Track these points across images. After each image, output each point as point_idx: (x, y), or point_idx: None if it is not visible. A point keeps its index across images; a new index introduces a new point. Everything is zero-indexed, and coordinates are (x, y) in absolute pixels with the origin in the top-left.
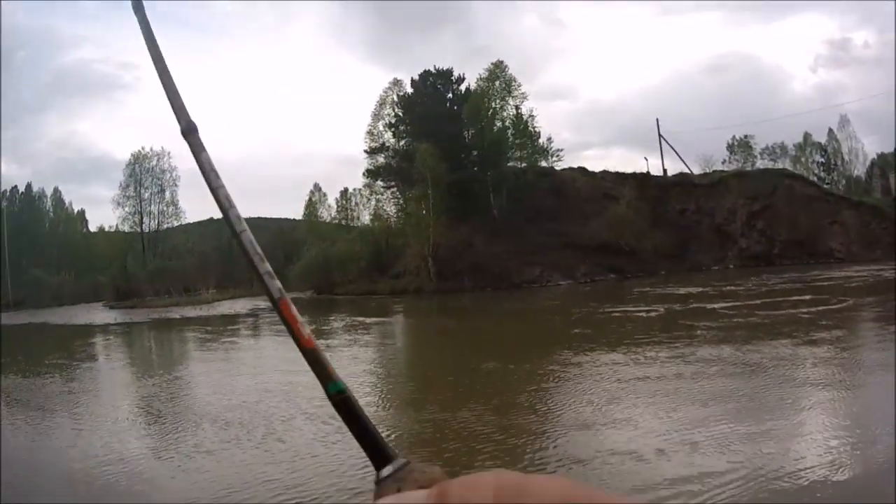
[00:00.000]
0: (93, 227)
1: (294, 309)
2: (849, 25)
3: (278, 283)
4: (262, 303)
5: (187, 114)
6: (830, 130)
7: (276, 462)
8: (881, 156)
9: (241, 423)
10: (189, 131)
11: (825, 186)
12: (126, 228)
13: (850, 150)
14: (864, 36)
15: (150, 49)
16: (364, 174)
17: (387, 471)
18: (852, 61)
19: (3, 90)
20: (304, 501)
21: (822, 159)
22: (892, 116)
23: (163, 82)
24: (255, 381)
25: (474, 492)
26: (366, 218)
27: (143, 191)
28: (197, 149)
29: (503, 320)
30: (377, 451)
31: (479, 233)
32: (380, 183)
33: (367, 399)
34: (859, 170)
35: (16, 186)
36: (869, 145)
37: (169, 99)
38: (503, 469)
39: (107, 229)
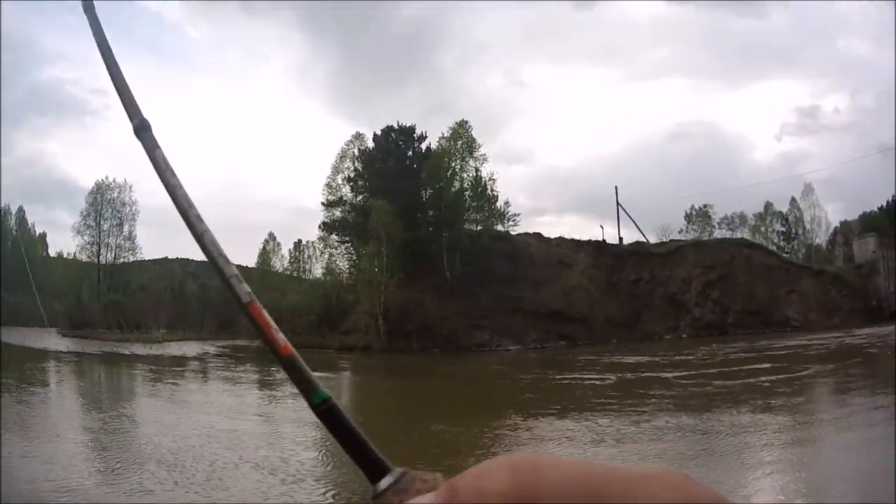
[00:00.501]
0: (52, 252)
1: (266, 314)
2: (819, 91)
3: (247, 287)
4: (211, 348)
5: (139, 111)
6: (793, 199)
7: None
8: (844, 223)
9: (184, 467)
10: (142, 128)
11: (785, 255)
12: (84, 258)
13: (813, 218)
14: (834, 102)
15: (99, 46)
16: (320, 227)
17: (385, 482)
18: (820, 129)
19: None
20: None
21: (783, 228)
22: (859, 184)
23: (113, 78)
24: (199, 425)
25: (489, 479)
26: (318, 271)
27: (102, 222)
28: (150, 145)
29: (452, 383)
30: (370, 463)
31: (431, 294)
32: (334, 237)
33: (309, 454)
34: (821, 238)
35: None
36: (832, 213)
37: (120, 95)
38: (515, 451)
39: (65, 256)
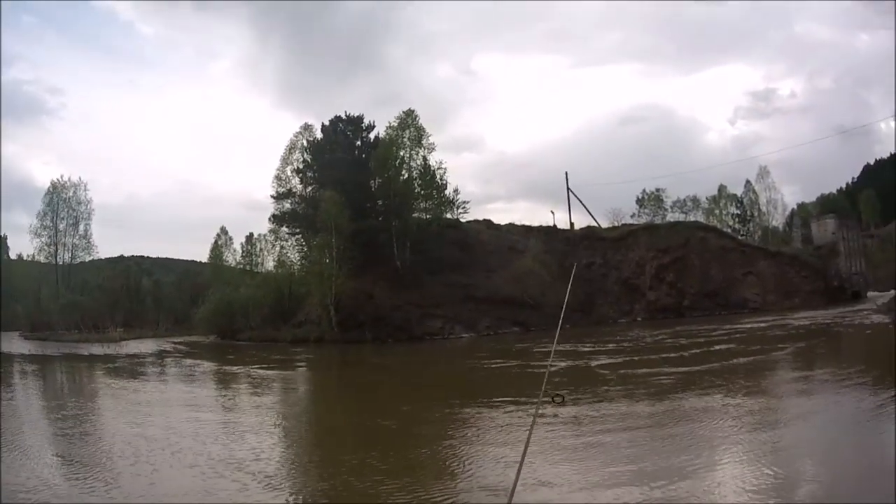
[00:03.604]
0: (13, 255)
1: None
2: (775, 75)
3: None
4: (167, 345)
5: None
6: (747, 182)
7: None
8: (802, 205)
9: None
10: None
11: (740, 238)
12: (42, 259)
13: (769, 200)
14: (790, 85)
15: None
16: (270, 219)
17: None
18: (774, 112)
19: None
20: None
21: (738, 211)
22: (816, 166)
23: None
24: (138, 423)
25: None
26: (270, 264)
27: (59, 221)
28: None
29: (396, 375)
30: None
31: (382, 283)
32: (285, 229)
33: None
34: (778, 220)
35: None
36: (789, 195)
37: None
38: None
39: (25, 258)
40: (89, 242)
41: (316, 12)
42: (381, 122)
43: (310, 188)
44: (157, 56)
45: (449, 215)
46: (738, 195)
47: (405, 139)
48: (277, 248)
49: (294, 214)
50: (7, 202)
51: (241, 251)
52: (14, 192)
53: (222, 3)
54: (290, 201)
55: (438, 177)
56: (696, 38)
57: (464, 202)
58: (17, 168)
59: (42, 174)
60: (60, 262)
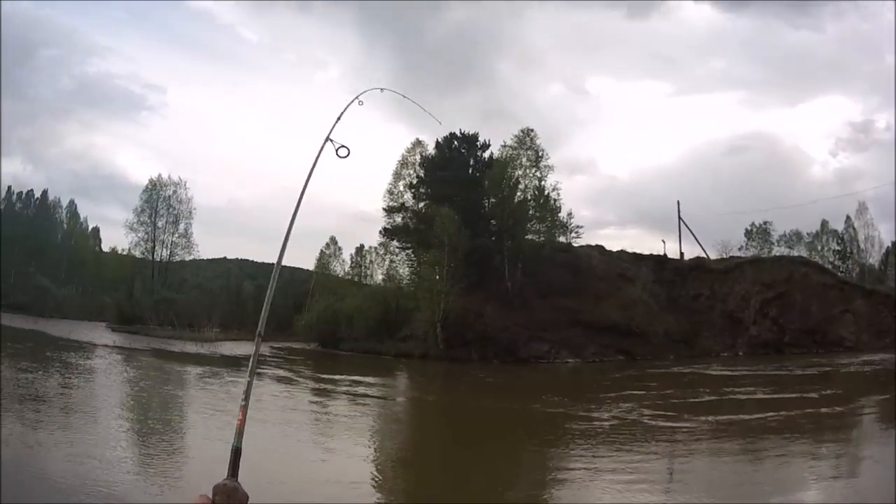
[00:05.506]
0: (105, 248)
1: None
2: (871, 108)
3: None
4: (267, 349)
5: None
6: (848, 217)
7: None
8: None
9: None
10: None
11: (840, 274)
12: (137, 254)
13: (867, 237)
14: (886, 118)
15: None
16: (380, 233)
17: None
18: (873, 144)
19: (23, 88)
20: None
21: (839, 247)
22: None
23: None
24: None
25: None
26: (378, 277)
27: (157, 218)
28: None
29: (510, 400)
30: None
31: (491, 303)
32: (395, 243)
33: None
34: (875, 258)
35: (31, 190)
36: (885, 233)
37: None
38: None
39: (120, 251)
40: (189, 241)
41: (421, 20)
42: (489, 134)
43: (422, 204)
44: (261, 60)
45: (561, 239)
46: (839, 231)
47: (522, 159)
48: (387, 262)
49: (405, 229)
50: (95, 193)
51: (350, 262)
52: (102, 182)
53: (328, 12)
54: (401, 215)
55: (552, 199)
56: (797, 66)
57: (577, 227)
58: (108, 160)
59: (134, 169)
60: (157, 259)
